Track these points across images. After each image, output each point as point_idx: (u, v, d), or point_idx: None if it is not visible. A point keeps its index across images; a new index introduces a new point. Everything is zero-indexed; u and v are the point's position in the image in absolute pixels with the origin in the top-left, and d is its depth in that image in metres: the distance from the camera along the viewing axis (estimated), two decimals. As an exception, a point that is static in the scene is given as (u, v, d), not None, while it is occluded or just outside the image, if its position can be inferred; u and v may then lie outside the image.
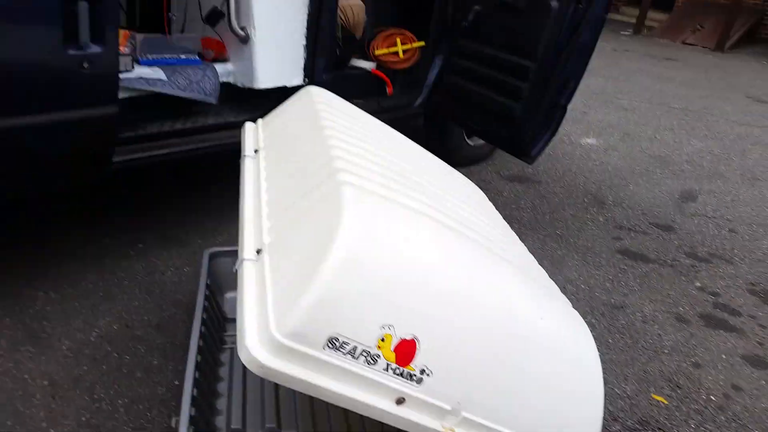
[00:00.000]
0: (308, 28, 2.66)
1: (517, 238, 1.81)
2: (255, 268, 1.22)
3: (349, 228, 1.10)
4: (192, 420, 1.48)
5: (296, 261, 1.15)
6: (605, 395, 1.99)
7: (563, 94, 2.75)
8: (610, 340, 2.36)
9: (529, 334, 1.26)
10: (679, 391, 2.12)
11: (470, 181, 2.12)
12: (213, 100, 2.53)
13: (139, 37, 2.54)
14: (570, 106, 2.84)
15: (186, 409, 1.48)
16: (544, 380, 1.26)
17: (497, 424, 1.22)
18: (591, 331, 2.42)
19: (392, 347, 1.11)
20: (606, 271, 2.90)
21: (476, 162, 4.11)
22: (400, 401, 1.13)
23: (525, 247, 1.77)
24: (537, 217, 3.43)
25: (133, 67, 2.28)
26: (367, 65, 3.31)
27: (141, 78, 2.27)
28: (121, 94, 2.23)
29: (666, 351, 2.34)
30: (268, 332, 1.04)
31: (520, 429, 1.25)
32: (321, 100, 1.75)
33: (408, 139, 1.99)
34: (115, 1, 1.84)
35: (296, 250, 1.18)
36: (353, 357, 1.08)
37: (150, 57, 2.46)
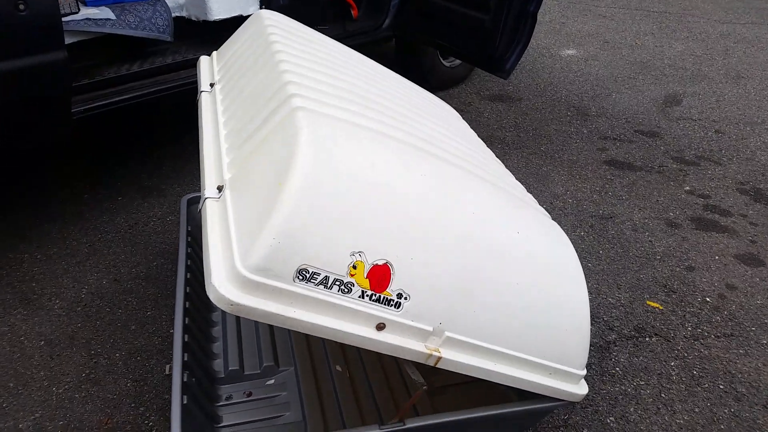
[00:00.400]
0: (262, -47, 2.51)
1: (493, 156, 1.75)
2: (217, 206, 1.17)
3: (305, 154, 1.04)
4: (186, 365, 1.46)
5: (257, 194, 1.09)
6: (600, 305, 2.01)
7: (532, 1, 2.62)
8: (601, 251, 2.34)
9: (505, 248, 1.23)
10: (673, 296, 2.12)
11: (444, 102, 2.04)
12: (167, 38, 2.40)
13: (86, -24, 2.39)
14: (547, 18, 2.74)
15: (178, 355, 1.46)
16: (525, 292, 1.24)
17: (482, 341, 1.21)
18: (580, 244, 2.43)
19: (365, 274, 1.07)
20: (593, 183, 2.86)
21: (455, 84, 4.00)
22: (380, 327, 1.10)
23: (502, 164, 1.72)
24: (520, 135, 3.36)
25: (78, 9, 2.15)
26: (331, -11, 3.14)
27: (88, 19, 2.14)
28: (69, 39, 2.12)
29: (658, 257, 2.32)
30: (234, 269, 0.99)
31: (507, 343, 1.23)
32: (272, 23, 1.65)
33: (373, 61, 1.90)
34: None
35: (256, 182, 1.12)
36: (326, 287, 1.04)
37: (98, -3, 2.32)
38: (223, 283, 0.99)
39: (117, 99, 2.21)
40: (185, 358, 1.47)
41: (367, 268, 1.07)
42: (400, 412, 1.31)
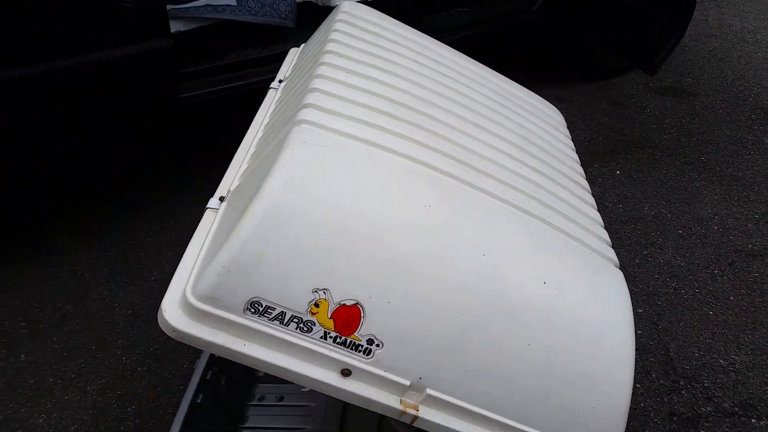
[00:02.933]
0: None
1: (580, 177, 1.50)
2: (211, 218, 1.14)
3: (276, 179, 0.95)
4: (215, 361, 1.48)
5: (233, 213, 1.04)
6: (703, 366, 1.65)
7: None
8: (732, 297, 1.94)
9: (520, 305, 1.03)
10: (812, 368, 1.68)
11: (547, 108, 1.80)
12: (290, 23, 2.42)
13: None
14: None
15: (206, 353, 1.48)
16: (538, 360, 1.03)
17: (475, 405, 1.04)
18: (708, 285, 2.02)
19: (329, 314, 0.96)
20: (752, 208, 2.37)
21: (620, 73, 3.55)
22: (345, 373, 0.99)
23: (586, 189, 1.46)
24: (681, 139, 2.89)
25: (198, -5, 2.24)
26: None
27: (208, 5, 2.23)
28: (189, 25, 2.23)
29: (808, 314, 1.86)
30: (183, 295, 0.95)
31: (508, 413, 1.05)
32: (345, 17, 1.56)
33: (465, 60, 1.72)
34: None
35: (240, 200, 1.06)
36: (281, 323, 0.96)
37: (220, -19, 2.40)
38: (172, 307, 0.95)
39: (230, 86, 2.29)
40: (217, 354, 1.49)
41: (332, 307, 0.96)
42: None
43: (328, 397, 1.58)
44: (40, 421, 1.66)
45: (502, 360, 1.03)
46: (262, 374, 1.65)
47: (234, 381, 1.56)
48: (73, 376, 1.78)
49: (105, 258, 2.25)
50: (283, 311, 0.95)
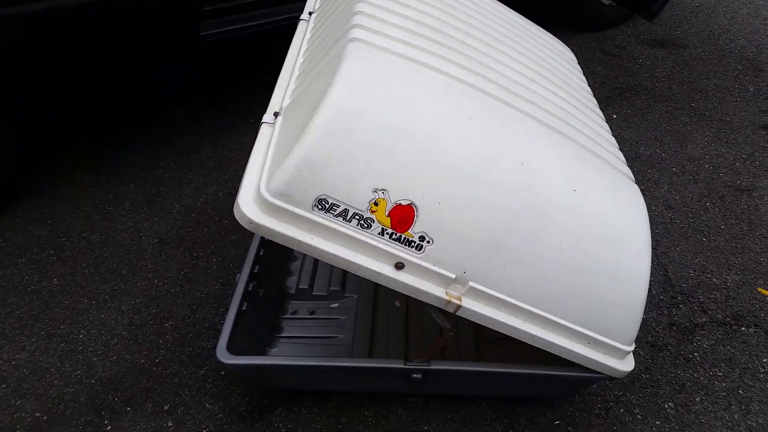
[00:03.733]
0: None
1: (594, 107, 1.61)
2: (269, 131, 1.23)
3: (340, 86, 1.04)
4: (255, 276, 1.59)
5: (296, 122, 1.13)
6: (699, 284, 1.80)
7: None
8: (723, 226, 2.09)
9: (555, 206, 1.15)
10: (795, 285, 1.85)
11: (559, 44, 1.90)
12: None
13: None
14: None
15: (248, 266, 1.59)
16: (570, 255, 1.16)
17: (511, 297, 1.17)
18: (702, 215, 2.18)
19: (387, 212, 1.07)
20: (740, 149, 2.51)
21: (613, 25, 3.64)
22: (399, 266, 1.11)
23: (601, 117, 1.58)
24: (672, 87, 3.02)
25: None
26: None
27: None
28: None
29: (792, 240, 2.02)
30: (258, 191, 1.05)
31: (540, 304, 1.18)
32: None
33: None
34: None
35: (301, 111, 1.15)
36: (345, 219, 1.06)
37: None
38: (247, 203, 1.05)
39: (251, 24, 2.33)
40: (255, 270, 1.60)
41: (389, 206, 1.07)
42: (426, 353, 1.33)
43: (356, 311, 1.71)
44: (80, 336, 1.76)
45: (537, 256, 1.15)
46: (293, 291, 1.76)
47: (270, 296, 1.67)
48: (107, 297, 1.87)
49: (125, 193, 2.32)
50: (346, 208, 1.06)
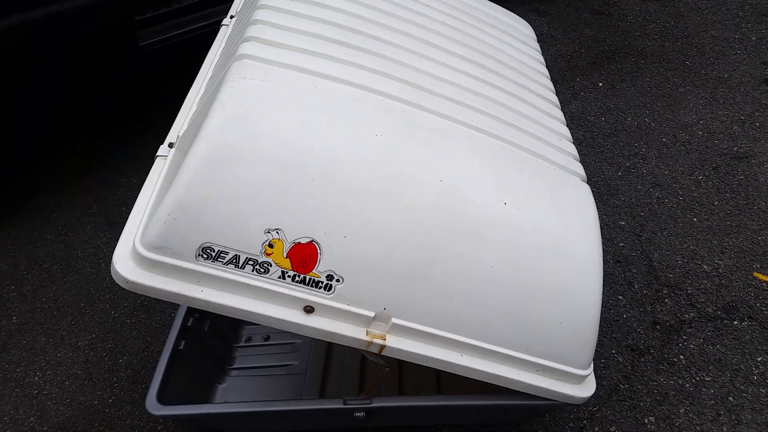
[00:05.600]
0: None
1: (548, 91, 1.44)
2: (160, 166, 1.11)
3: (216, 118, 0.92)
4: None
5: (178, 158, 1.01)
6: (687, 273, 1.64)
7: None
8: (716, 202, 1.91)
9: (482, 223, 1.02)
10: (795, 266, 1.67)
11: (514, 21, 1.72)
12: (247, -40, 2.31)
13: None
14: None
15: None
16: (504, 277, 1.03)
17: (442, 330, 1.04)
18: (693, 191, 1.98)
19: (285, 253, 0.95)
20: (738, 109, 2.31)
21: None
22: (308, 310, 0.99)
23: (554, 104, 1.41)
24: (665, 45, 2.80)
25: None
26: None
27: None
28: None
29: (793, 212, 1.83)
30: (133, 245, 0.94)
31: (476, 334, 1.05)
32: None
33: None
34: None
35: (186, 143, 1.03)
36: (237, 266, 0.94)
37: None
38: (123, 259, 0.94)
39: (190, 28, 2.20)
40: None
41: (287, 246, 0.95)
42: (366, 391, 1.22)
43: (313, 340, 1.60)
44: (36, 378, 1.69)
45: (465, 282, 1.02)
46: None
47: (218, 326, 1.57)
48: (64, 333, 1.80)
49: (87, 216, 2.24)
50: (236, 254, 0.94)
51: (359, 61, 1.13)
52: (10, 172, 2.45)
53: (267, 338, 1.62)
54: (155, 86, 2.89)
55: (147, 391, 1.41)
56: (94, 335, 1.78)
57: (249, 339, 1.62)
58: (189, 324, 1.43)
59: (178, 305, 1.66)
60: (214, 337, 1.55)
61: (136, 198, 2.22)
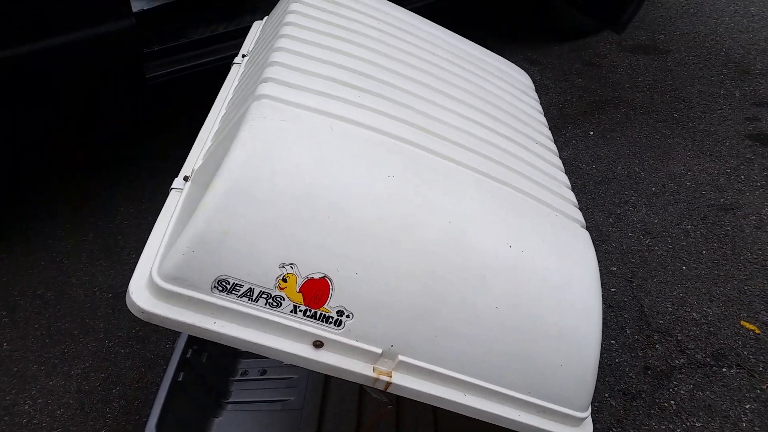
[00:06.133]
0: None
1: (547, 140, 1.50)
2: (176, 199, 1.14)
3: (237, 155, 0.95)
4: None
5: (197, 192, 1.04)
6: (677, 320, 1.68)
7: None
8: (704, 251, 1.97)
9: (487, 266, 1.05)
10: (781, 317, 1.72)
11: (513, 71, 1.79)
12: (258, -6, 2.39)
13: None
14: None
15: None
16: (507, 319, 1.06)
17: (448, 369, 1.06)
18: (681, 240, 2.05)
19: (297, 288, 0.97)
20: (724, 162, 2.39)
21: (594, 33, 3.53)
22: (317, 345, 1.01)
23: (553, 152, 1.47)
24: (654, 97, 2.91)
25: (159, -28, 2.20)
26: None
27: (170, -16, 2.19)
28: (152, 3, 2.19)
29: (777, 264, 1.90)
30: (150, 276, 0.96)
31: (479, 374, 1.07)
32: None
33: (429, 25, 1.71)
34: None
35: (205, 178, 1.06)
36: (251, 299, 0.96)
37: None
38: (140, 290, 0.96)
39: (197, 63, 2.25)
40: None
41: (300, 281, 0.97)
42: (363, 428, 1.23)
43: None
44: (26, 407, 1.67)
45: (470, 323, 1.05)
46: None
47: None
48: (56, 361, 1.79)
49: (84, 243, 2.24)
50: (251, 287, 0.96)
51: (372, 104, 1.18)
52: (6, 197, 2.45)
53: (263, 372, 1.62)
54: (157, 118, 2.93)
55: (141, 423, 1.41)
56: (87, 364, 1.77)
57: (245, 373, 1.62)
58: (188, 356, 1.44)
59: (177, 336, 1.66)
60: (211, 369, 1.55)
61: (132, 227, 2.24)
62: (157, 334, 1.86)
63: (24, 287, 2.07)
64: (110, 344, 1.82)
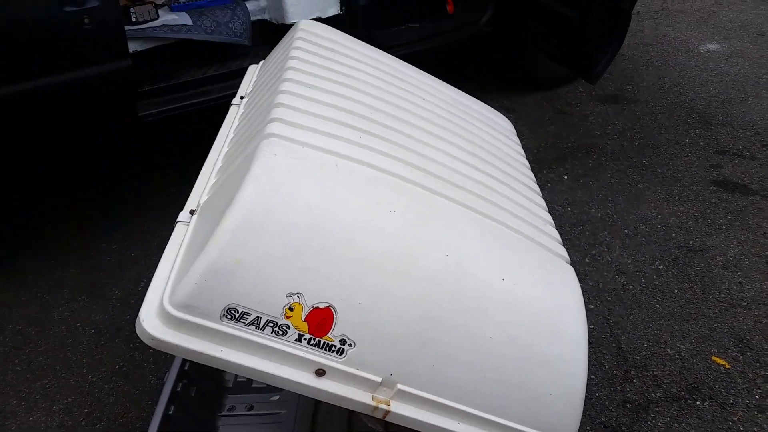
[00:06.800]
0: (337, -48, 2.48)
1: (530, 181, 1.58)
2: (183, 231, 1.17)
3: (250, 189, 1.00)
4: (186, 374, 1.50)
5: (207, 225, 1.08)
6: (653, 356, 1.76)
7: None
8: (676, 291, 2.06)
9: (482, 298, 1.10)
10: (748, 353, 1.81)
11: (496, 116, 1.89)
12: (245, 41, 2.47)
13: (174, -19, 2.52)
14: (696, 5, 2.41)
15: (178, 364, 1.50)
16: (501, 349, 1.11)
17: (443, 397, 1.10)
18: (654, 280, 2.15)
19: (303, 317, 1.01)
20: (692, 206, 2.52)
21: (565, 83, 3.70)
22: (319, 373, 1.04)
23: (537, 193, 1.55)
24: (623, 144, 3.05)
25: (157, 15, 2.27)
26: (421, -18, 3.05)
27: (164, 26, 2.26)
28: (145, 45, 2.24)
29: (744, 303, 2.00)
30: (161, 303, 0.99)
31: (473, 402, 1.12)
32: (304, 35, 1.62)
33: (418, 72, 1.80)
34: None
35: (213, 211, 1.10)
36: (257, 328, 1.00)
37: (182, 1, 2.44)
38: (150, 317, 0.98)
39: (187, 103, 2.31)
40: (186, 367, 1.52)
41: (306, 310, 1.01)
42: (360, 459, 1.25)
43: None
44: (5, 444, 1.64)
45: (466, 352, 1.09)
46: (231, 385, 1.67)
47: (204, 393, 1.58)
48: (38, 396, 1.76)
49: (66, 279, 2.23)
50: (258, 316, 0.99)
51: (373, 144, 1.24)
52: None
53: (250, 408, 1.63)
54: (144, 157, 2.96)
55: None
56: (69, 399, 1.75)
57: (232, 408, 1.63)
58: (178, 389, 1.45)
59: (165, 371, 1.66)
60: (199, 404, 1.55)
61: (114, 264, 2.25)
62: (141, 370, 1.85)
63: (4, 322, 2.04)
64: (93, 379, 1.81)
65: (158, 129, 2.91)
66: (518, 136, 1.66)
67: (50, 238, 2.41)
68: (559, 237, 1.39)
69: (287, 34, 1.76)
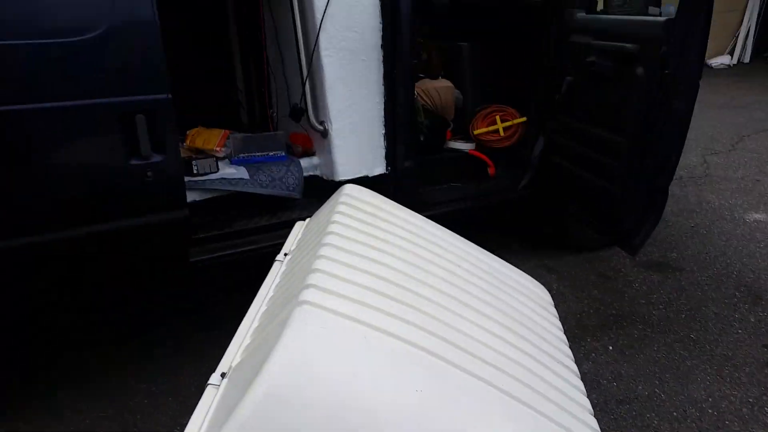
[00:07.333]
0: (385, 117, 2.67)
1: (564, 357, 1.54)
2: (212, 395, 1.17)
3: (279, 359, 1.01)
4: None
5: (234, 393, 1.08)
6: None
7: (662, 174, 2.42)
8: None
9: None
10: None
11: (532, 285, 1.89)
12: (297, 195, 2.60)
13: (237, 136, 2.73)
14: (739, 173, 2.44)
15: None
16: None
17: None
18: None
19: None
20: (746, 390, 2.37)
21: (606, 246, 3.68)
22: None
23: (571, 370, 1.50)
24: (670, 315, 2.96)
25: (217, 168, 2.44)
26: (465, 147, 3.20)
27: (223, 179, 2.42)
28: (204, 195, 2.40)
29: None
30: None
31: None
32: (347, 200, 1.70)
33: (456, 239, 1.85)
34: (171, 112, 1.97)
35: (242, 378, 1.11)
36: None
37: (241, 156, 2.63)
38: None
39: (239, 250, 2.41)
40: None
41: (323, 495, 0.97)
42: None
43: None
44: None
45: None
46: None
47: None
48: None
49: (101, 419, 2.22)
50: (275, 495, 0.96)
51: (404, 315, 1.25)
52: (32, 366, 2.50)
53: None
54: (194, 302, 3.04)
55: None
56: None
57: None
58: None
59: None
60: None
61: (152, 406, 2.22)
62: None
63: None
64: None
65: (208, 273, 3.03)
66: (560, 298, 1.65)
67: (90, 374, 2.43)
68: (597, 426, 1.32)
69: (332, 196, 1.86)
